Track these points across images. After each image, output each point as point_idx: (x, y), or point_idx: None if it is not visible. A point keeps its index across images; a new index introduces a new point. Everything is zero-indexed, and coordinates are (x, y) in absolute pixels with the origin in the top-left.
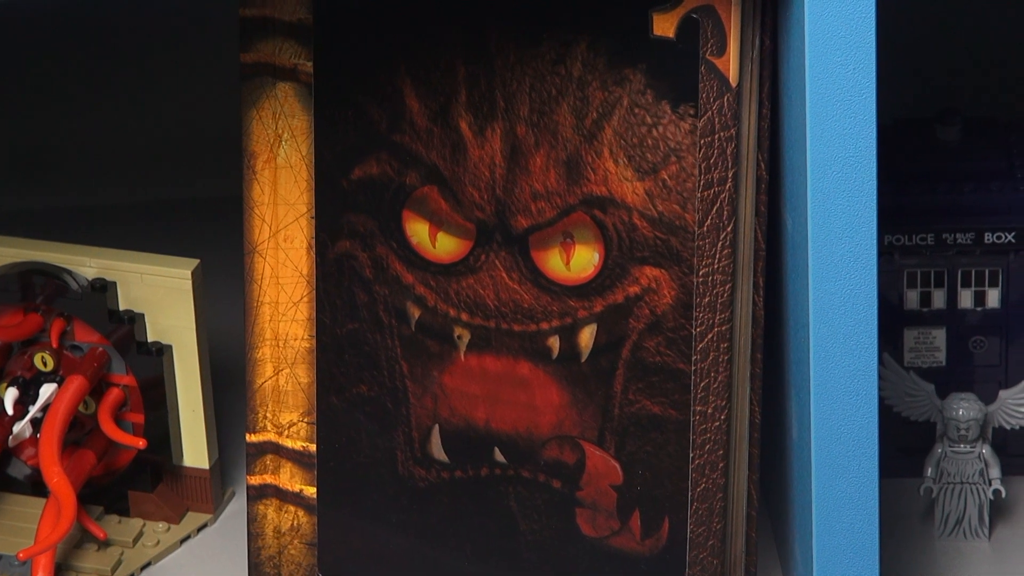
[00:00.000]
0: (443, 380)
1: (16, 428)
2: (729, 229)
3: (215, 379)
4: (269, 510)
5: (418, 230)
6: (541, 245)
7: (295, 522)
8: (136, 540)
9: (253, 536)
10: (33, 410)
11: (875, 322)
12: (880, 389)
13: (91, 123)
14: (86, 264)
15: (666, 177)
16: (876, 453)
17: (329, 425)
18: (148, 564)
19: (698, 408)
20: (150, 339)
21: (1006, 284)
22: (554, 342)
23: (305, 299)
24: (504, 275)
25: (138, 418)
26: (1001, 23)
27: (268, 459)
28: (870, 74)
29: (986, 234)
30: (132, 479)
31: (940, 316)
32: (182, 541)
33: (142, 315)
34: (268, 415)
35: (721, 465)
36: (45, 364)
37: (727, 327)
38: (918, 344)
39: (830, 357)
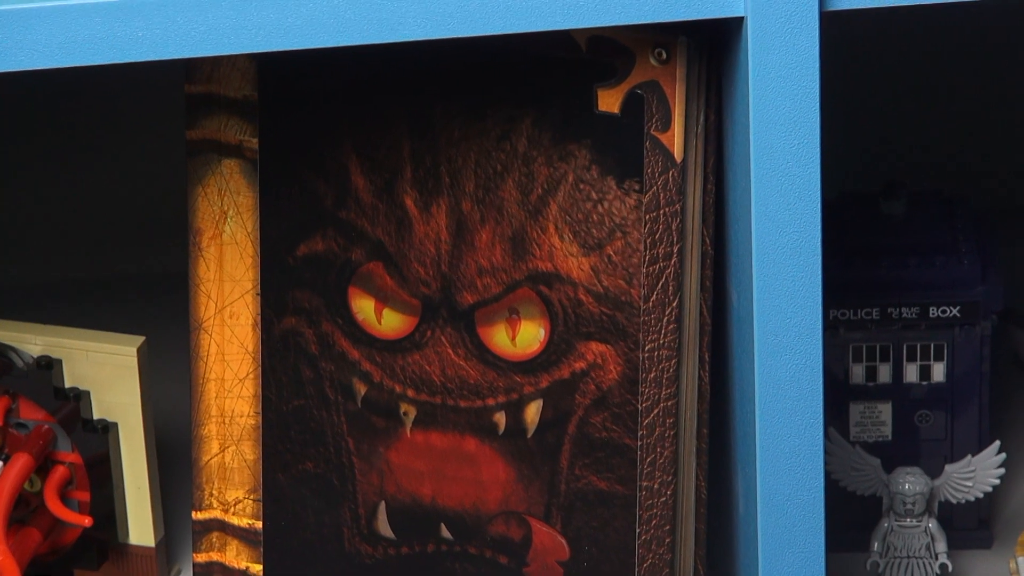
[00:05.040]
0: (389, 456)
1: None
2: (675, 304)
3: (161, 456)
4: None
5: (364, 306)
6: (487, 321)
7: None
8: None
9: None
10: None
11: (821, 396)
12: (826, 463)
13: (35, 199)
14: (31, 341)
15: (611, 253)
16: (822, 527)
17: (275, 502)
18: None
19: (644, 483)
20: (96, 416)
21: (951, 358)
22: (500, 418)
23: (251, 375)
24: (450, 351)
25: (84, 496)
26: (945, 98)
27: (214, 536)
28: (814, 149)
29: (931, 308)
30: (78, 557)
31: (886, 390)
32: None
33: (88, 392)
34: (214, 492)
35: (668, 540)
36: None
37: (673, 402)
38: (864, 418)
39: (776, 432)
